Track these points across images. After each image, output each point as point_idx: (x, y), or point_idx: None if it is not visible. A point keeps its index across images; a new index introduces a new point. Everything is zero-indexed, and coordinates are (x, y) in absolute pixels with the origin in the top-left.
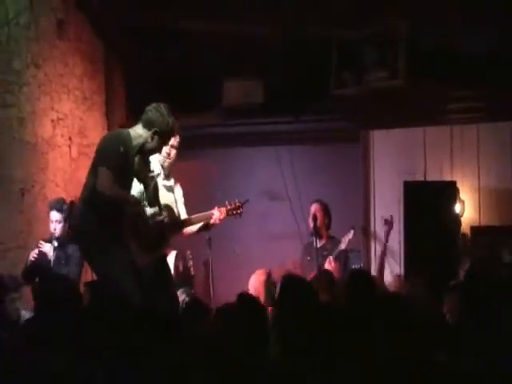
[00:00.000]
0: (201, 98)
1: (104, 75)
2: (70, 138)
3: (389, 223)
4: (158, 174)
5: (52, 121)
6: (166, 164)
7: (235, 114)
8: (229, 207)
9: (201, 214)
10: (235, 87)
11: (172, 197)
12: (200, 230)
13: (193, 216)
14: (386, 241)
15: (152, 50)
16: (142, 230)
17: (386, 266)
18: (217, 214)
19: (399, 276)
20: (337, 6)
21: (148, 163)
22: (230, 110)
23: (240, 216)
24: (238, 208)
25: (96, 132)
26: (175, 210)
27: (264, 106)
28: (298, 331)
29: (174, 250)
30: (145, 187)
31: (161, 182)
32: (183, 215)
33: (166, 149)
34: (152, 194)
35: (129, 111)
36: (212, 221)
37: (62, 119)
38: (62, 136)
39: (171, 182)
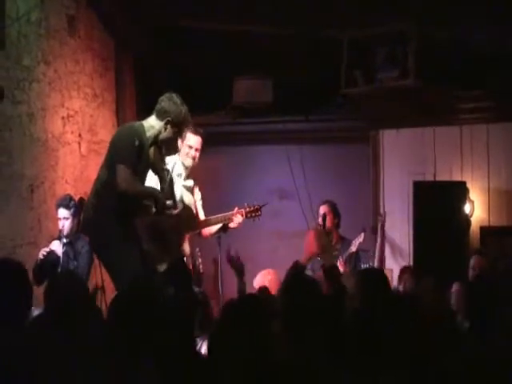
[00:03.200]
0: (210, 96)
1: (115, 73)
2: (79, 135)
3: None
4: (180, 175)
5: (62, 118)
6: (189, 165)
7: (245, 112)
8: (248, 209)
9: (220, 215)
10: (245, 86)
11: (191, 197)
12: (218, 231)
13: (212, 217)
14: (383, 234)
15: (163, 48)
16: (157, 226)
17: (395, 265)
18: (237, 220)
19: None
20: (346, 5)
21: (163, 155)
22: (239, 108)
23: (258, 219)
24: (257, 211)
25: (106, 129)
26: (194, 210)
27: (274, 105)
28: (306, 327)
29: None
30: (160, 180)
31: (181, 182)
32: (201, 216)
33: (192, 151)
34: (168, 187)
35: (139, 109)
36: (232, 225)
37: (72, 116)
38: (72, 133)
39: (191, 183)
